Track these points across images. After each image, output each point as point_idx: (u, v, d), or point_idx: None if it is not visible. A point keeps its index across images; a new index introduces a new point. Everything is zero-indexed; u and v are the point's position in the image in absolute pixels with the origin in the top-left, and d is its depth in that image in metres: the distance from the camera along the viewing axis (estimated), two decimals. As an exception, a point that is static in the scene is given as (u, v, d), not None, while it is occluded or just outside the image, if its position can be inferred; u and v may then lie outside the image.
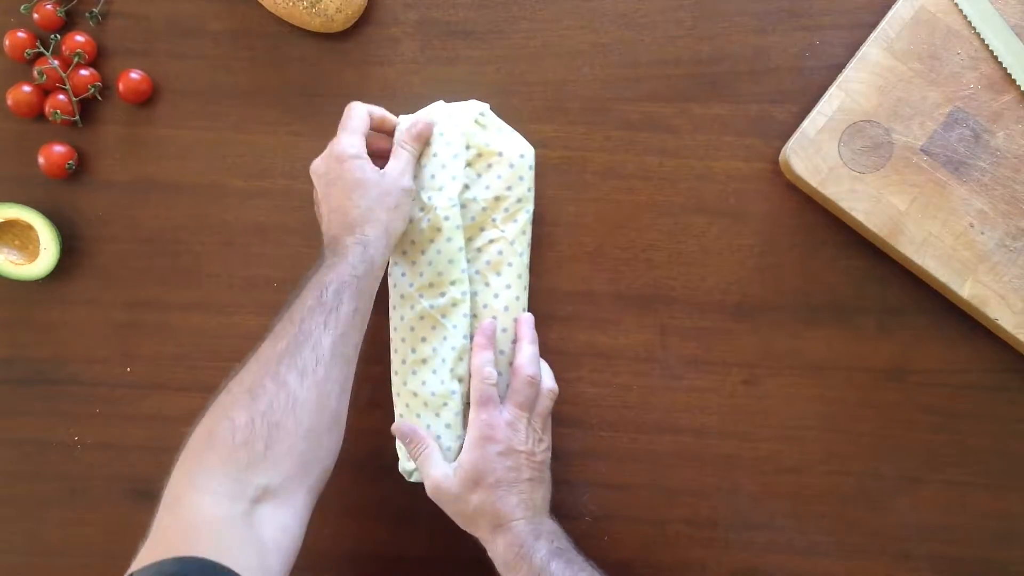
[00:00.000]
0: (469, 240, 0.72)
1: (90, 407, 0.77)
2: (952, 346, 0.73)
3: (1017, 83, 0.70)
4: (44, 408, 0.78)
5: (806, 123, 0.71)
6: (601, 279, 0.75)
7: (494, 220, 0.72)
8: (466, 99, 0.74)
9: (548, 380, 0.70)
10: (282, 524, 0.56)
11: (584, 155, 0.75)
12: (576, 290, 0.75)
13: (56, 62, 0.75)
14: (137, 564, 0.51)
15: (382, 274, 0.67)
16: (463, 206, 0.71)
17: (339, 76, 0.77)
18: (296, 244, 0.76)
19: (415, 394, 0.71)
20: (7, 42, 0.76)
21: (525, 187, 0.72)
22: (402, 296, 0.72)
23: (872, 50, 0.71)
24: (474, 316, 0.71)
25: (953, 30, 0.71)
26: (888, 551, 0.73)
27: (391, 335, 0.73)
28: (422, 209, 0.71)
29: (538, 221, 0.75)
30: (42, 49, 0.77)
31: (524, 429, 0.67)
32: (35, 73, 0.76)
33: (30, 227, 0.76)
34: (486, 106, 0.73)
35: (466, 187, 0.71)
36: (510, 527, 0.64)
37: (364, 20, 0.76)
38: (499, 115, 0.74)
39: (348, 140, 0.67)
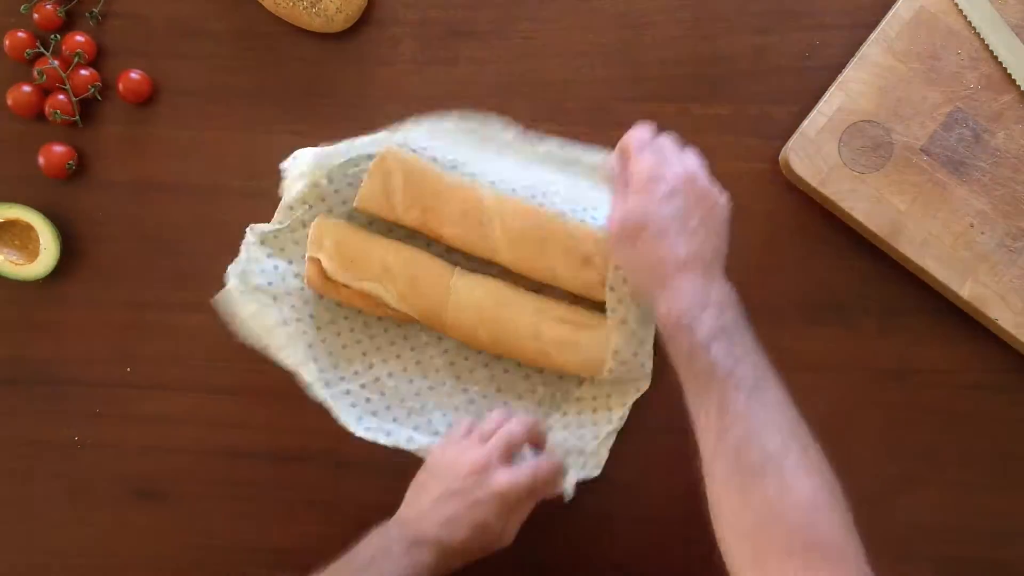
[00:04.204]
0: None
1: (90, 407, 0.77)
2: (952, 346, 0.73)
3: (1017, 83, 0.70)
4: (44, 408, 0.78)
5: (806, 123, 0.71)
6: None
7: None
8: (465, 99, 0.74)
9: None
10: None
11: (584, 155, 0.75)
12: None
13: (56, 62, 0.75)
14: None
15: None
16: None
17: (339, 76, 0.77)
18: (296, 244, 0.76)
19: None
20: (7, 42, 0.76)
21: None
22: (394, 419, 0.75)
23: (872, 50, 0.71)
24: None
25: (953, 30, 0.71)
26: (888, 551, 0.73)
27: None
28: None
29: (538, 221, 0.75)
30: (42, 49, 0.76)
31: (692, 159, 0.60)
32: (35, 73, 0.76)
33: (30, 227, 0.76)
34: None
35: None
36: (675, 284, 0.56)
37: (364, 20, 0.76)
38: (499, 115, 0.74)
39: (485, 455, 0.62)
